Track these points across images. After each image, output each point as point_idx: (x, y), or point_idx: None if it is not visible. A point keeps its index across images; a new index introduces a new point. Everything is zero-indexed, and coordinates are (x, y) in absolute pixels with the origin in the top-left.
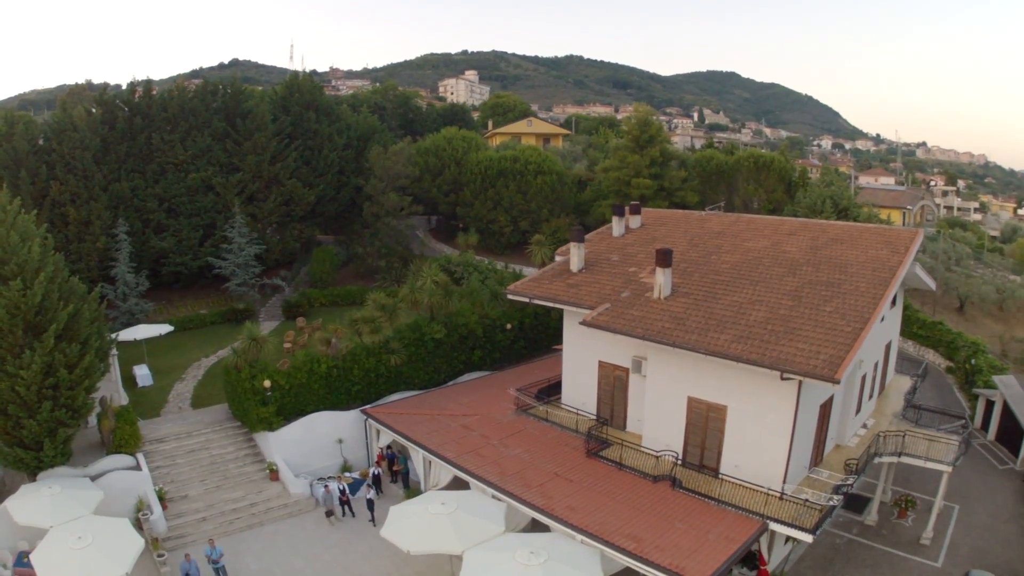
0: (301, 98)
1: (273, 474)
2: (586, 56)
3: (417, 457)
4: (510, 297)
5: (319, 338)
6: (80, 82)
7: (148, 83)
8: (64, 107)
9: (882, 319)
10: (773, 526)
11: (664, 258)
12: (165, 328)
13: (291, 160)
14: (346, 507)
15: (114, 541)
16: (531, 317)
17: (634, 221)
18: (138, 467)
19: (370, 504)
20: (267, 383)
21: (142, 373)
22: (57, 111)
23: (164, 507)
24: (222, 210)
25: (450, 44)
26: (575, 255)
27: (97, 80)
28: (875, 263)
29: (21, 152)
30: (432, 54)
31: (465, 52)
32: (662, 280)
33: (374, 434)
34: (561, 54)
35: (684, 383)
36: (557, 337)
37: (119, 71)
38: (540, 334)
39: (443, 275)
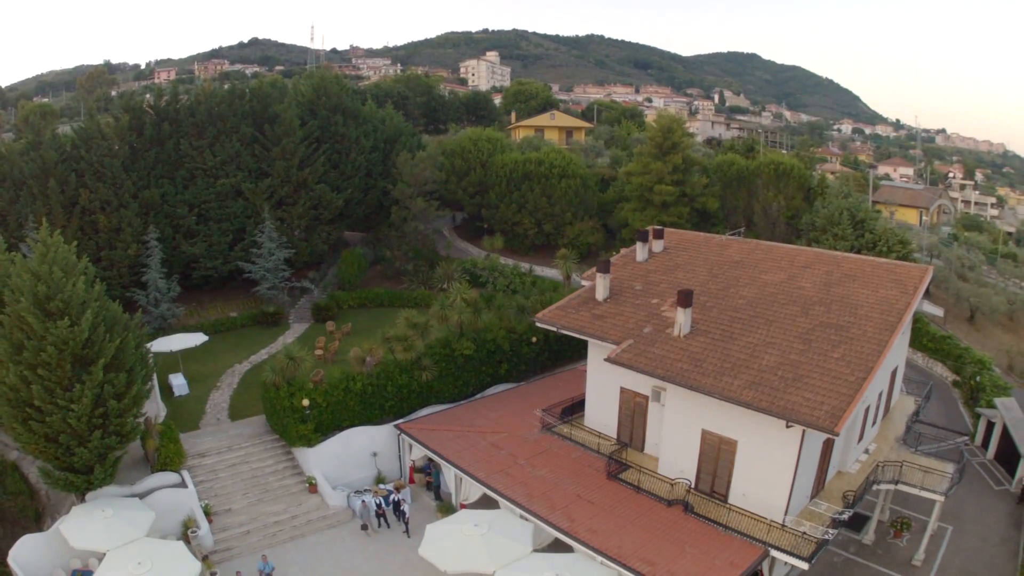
0: (328, 101)
1: (312, 487)
2: (607, 35)
3: (448, 473)
4: (539, 325)
5: (354, 356)
6: (99, 63)
7: (175, 88)
8: (85, 92)
9: None
10: (774, 553)
11: (685, 299)
12: (200, 338)
13: (319, 165)
14: (382, 519)
15: (171, 564)
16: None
17: (657, 245)
18: (183, 484)
19: (403, 516)
20: (305, 402)
21: (178, 383)
22: (85, 120)
23: (210, 521)
24: (252, 215)
25: (470, 22)
26: (601, 285)
27: (116, 60)
28: (884, 304)
29: (49, 162)
30: (452, 32)
31: (486, 30)
32: (682, 319)
33: (407, 448)
34: (582, 33)
35: (699, 417)
36: (581, 349)
37: (138, 50)
38: (564, 346)
39: (472, 292)
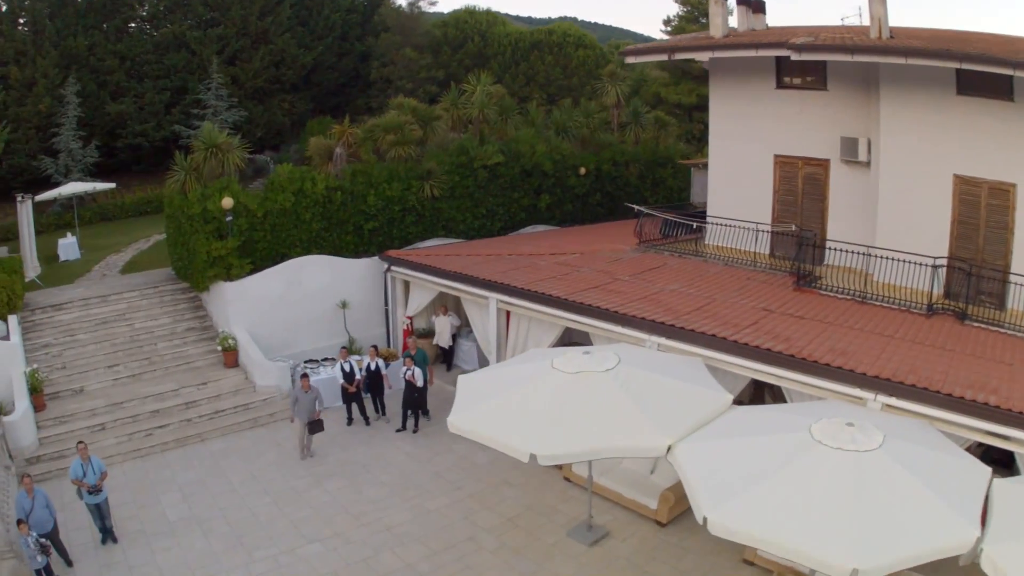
0: None
1: (228, 355)
2: (580, 18)
3: (481, 313)
4: (629, 60)
5: (316, 147)
6: None
7: None
8: None
9: None
10: None
11: None
12: (103, 185)
13: (284, 16)
14: (355, 406)
15: None
16: (609, 164)
17: (758, 21)
18: (6, 336)
19: (413, 401)
20: (227, 201)
21: (67, 243)
22: None
23: (40, 405)
24: (196, 70)
25: None
26: (718, 15)
27: None
28: None
29: None
30: None
31: None
32: (881, 12)
33: (399, 292)
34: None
35: (945, 155)
36: (637, 198)
37: None
38: (619, 189)
39: (499, 86)
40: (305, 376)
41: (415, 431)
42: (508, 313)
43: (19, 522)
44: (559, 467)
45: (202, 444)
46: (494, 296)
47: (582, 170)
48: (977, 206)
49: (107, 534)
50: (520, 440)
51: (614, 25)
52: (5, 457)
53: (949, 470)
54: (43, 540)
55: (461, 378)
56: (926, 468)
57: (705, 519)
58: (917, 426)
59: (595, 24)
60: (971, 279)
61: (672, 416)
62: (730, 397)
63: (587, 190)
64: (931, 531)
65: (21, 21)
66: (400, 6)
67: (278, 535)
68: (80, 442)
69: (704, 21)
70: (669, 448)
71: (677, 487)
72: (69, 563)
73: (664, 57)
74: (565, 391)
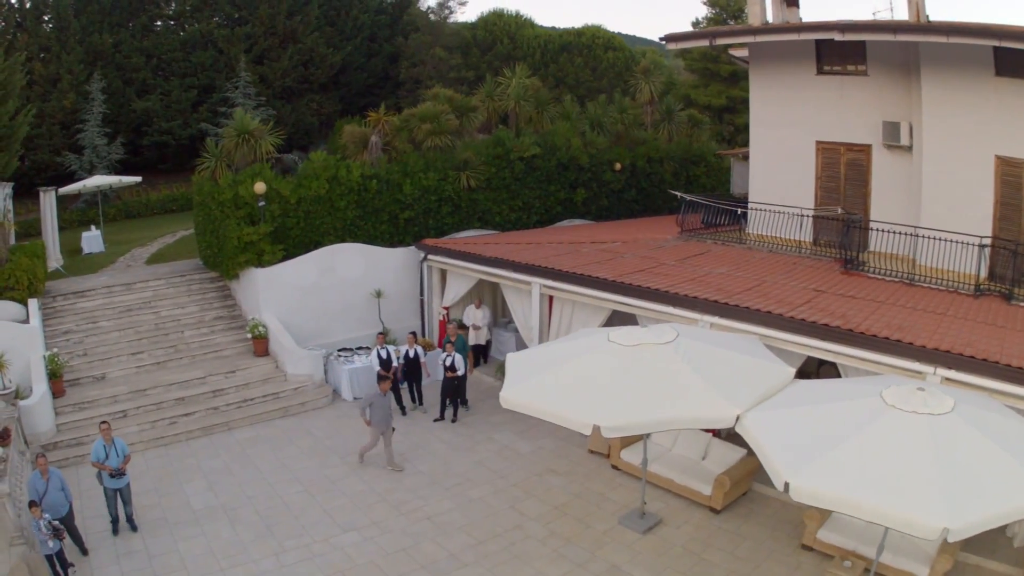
0: None
1: (258, 343)
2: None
3: (522, 300)
4: (670, 47)
5: (350, 135)
6: None
7: None
8: None
9: None
10: None
11: None
12: (130, 178)
13: (312, 16)
14: (391, 395)
15: None
16: (644, 160)
17: (791, 14)
18: (26, 320)
19: (452, 390)
20: (260, 186)
21: (91, 236)
22: None
23: (59, 391)
24: (224, 68)
25: None
26: (756, 4)
27: None
28: None
29: None
30: None
31: None
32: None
33: (435, 281)
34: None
35: (986, 137)
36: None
37: None
38: (654, 186)
39: (534, 79)
40: (386, 379)
41: (454, 420)
42: (551, 299)
43: (31, 504)
44: (606, 455)
45: (229, 433)
46: (537, 281)
47: (617, 165)
48: (1019, 187)
49: (127, 521)
50: (580, 412)
51: (638, 35)
52: (20, 442)
53: (1019, 434)
54: (56, 524)
55: (510, 356)
56: (998, 431)
57: (787, 484)
58: (979, 396)
59: (620, 34)
60: (1016, 258)
61: (737, 387)
62: (792, 370)
63: (622, 186)
64: (1012, 492)
65: (46, 18)
66: (429, 7)
67: (311, 524)
68: (103, 422)
69: (732, 23)
70: (737, 418)
71: (731, 472)
72: (84, 551)
73: (706, 43)
74: (625, 363)
